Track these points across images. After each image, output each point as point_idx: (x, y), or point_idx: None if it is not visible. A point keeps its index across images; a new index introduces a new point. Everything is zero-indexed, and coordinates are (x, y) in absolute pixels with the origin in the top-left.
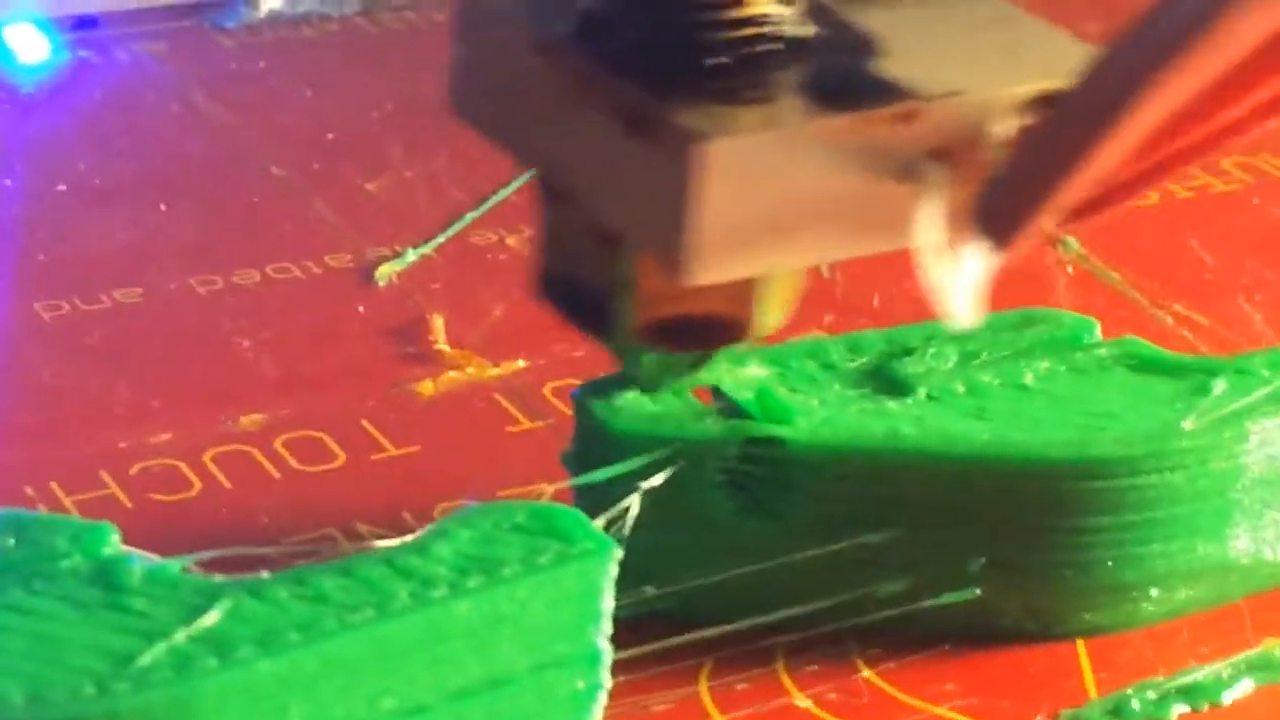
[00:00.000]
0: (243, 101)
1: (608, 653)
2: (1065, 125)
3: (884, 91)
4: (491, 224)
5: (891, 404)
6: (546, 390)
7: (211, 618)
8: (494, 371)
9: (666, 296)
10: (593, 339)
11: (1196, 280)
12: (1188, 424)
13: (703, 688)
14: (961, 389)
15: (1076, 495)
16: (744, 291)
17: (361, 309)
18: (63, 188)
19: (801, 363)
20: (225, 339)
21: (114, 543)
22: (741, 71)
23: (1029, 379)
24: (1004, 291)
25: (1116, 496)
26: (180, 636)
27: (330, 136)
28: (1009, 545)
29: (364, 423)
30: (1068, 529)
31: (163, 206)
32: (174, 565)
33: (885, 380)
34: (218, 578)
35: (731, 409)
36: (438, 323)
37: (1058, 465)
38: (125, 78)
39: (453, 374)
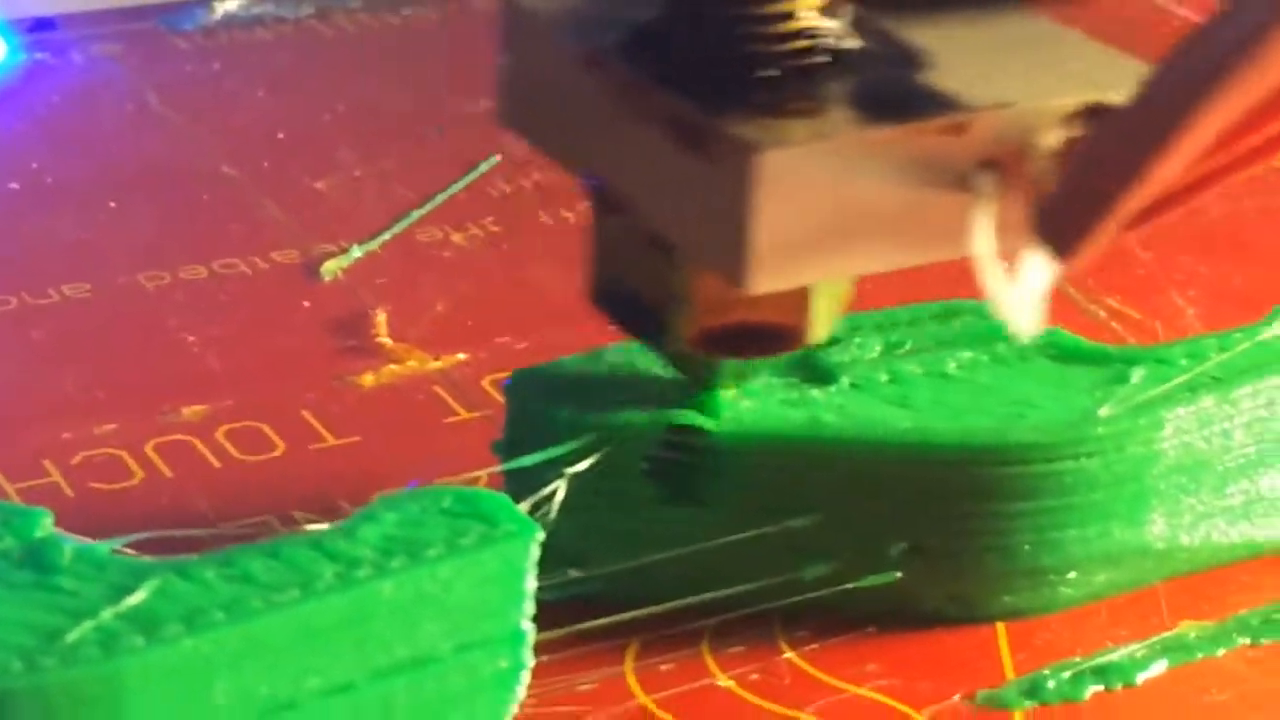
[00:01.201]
0: (196, 103)
1: (531, 633)
2: (1129, 138)
3: (933, 103)
4: (438, 221)
5: (815, 392)
6: (485, 383)
7: (138, 597)
8: (434, 364)
9: (721, 305)
10: (646, 346)
11: (1131, 275)
12: (1104, 411)
13: (628, 668)
14: (885, 378)
15: (996, 481)
16: (798, 300)
17: (306, 304)
18: (15, 186)
19: None
20: (171, 333)
21: (46, 526)
22: (791, 84)
23: (951, 368)
24: (933, 287)
25: (1035, 482)
26: (107, 615)
27: (281, 136)
28: (930, 530)
29: (304, 414)
30: (987, 514)
31: (113, 204)
32: (103, 547)
33: (810, 369)
34: (147, 559)
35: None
36: (380, 317)
37: (978, 452)
38: (81, 79)
39: (394, 367)
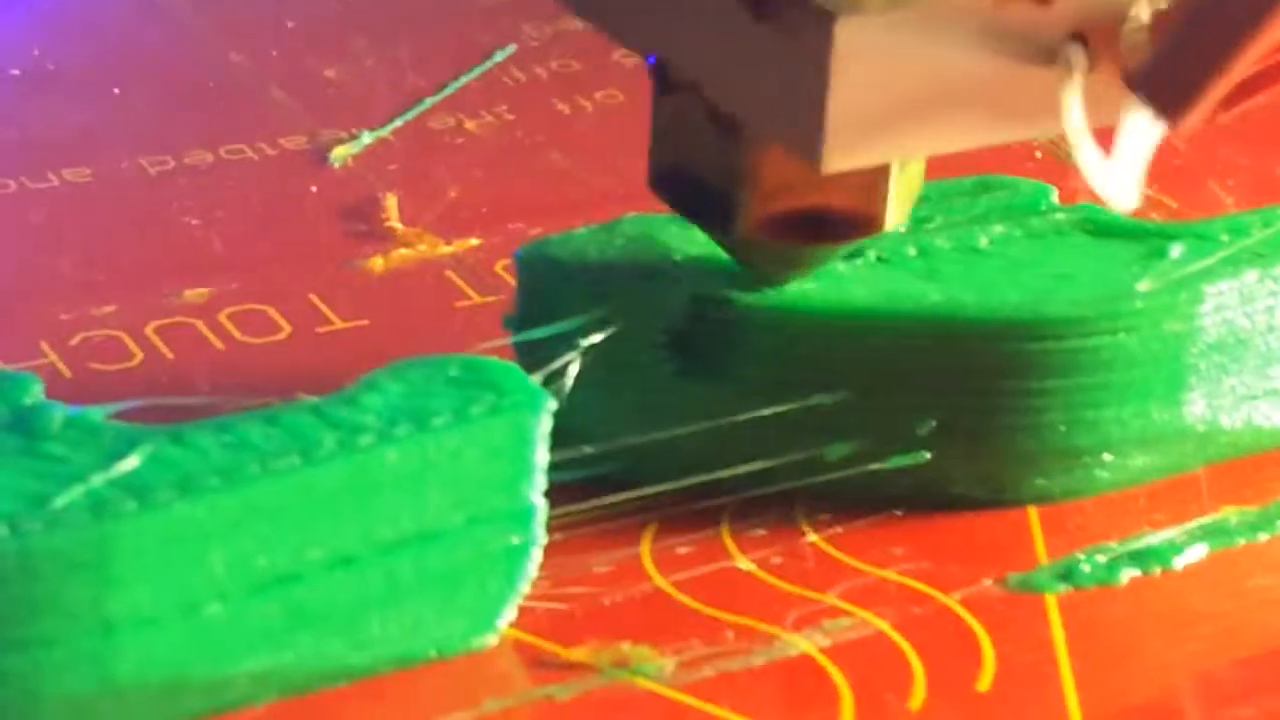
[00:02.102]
0: None
1: (542, 508)
2: None
3: None
4: (451, 109)
5: (841, 266)
6: (499, 267)
7: (130, 462)
8: (446, 249)
9: (790, 188)
10: (711, 234)
11: (1168, 165)
12: (1142, 286)
13: (644, 550)
14: (913, 252)
15: (1028, 357)
16: (871, 184)
17: (314, 189)
18: (15, 72)
19: None
20: (174, 217)
21: (36, 393)
22: None
23: (983, 243)
24: (964, 165)
25: (1069, 358)
26: (98, 480)
27: (290, 25)
28: (959, 409)
29: (311, 297)
30: (1019, 392)
31: (117, 91)
32: (96, 413)
33: None
34: (142, 427)
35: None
36: (390, 201)
37: (1009, 326)
38: None
39: (404, 251)
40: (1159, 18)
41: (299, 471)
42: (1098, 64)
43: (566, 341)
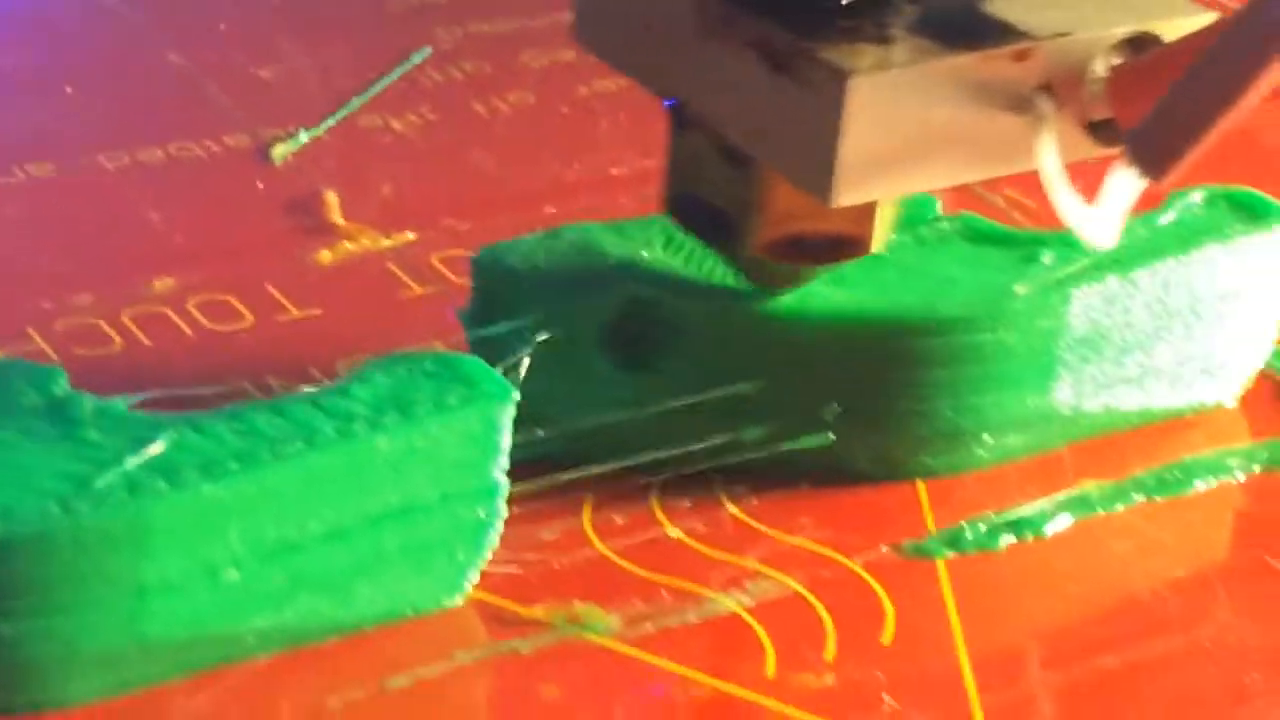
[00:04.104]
0: None
1: (505, 486)
2: (1227, 66)
3: (998, 32)
4: (377, 109)
5: None
6: (434, 260)
7: (158, 447)
8: (386, 243)
9: (792, 214)
10: (720, 253)
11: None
12: (1019, 289)
13: (585, 520)
14: None
15: (921, 351)
16: (863, 212)
17: (260, 185)
18: None
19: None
20: (135, 212)
21: (63, 384)
22: (868, 13)
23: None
24: None
25: (955, 352)
26: (131, 463)
27: (223, 27)
28: (860, 396)
29: (269, 287)
30: (912, 381)
31: (69, 90)
32: (121, 403)
33: None
34: (161, 415)
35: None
36: (332, 198)
37: (905, 324)
38: None
39: (348, 245)
40: (1115, 71)
41: (304, 455)
42: (1063, 111)
43: (518, 336)
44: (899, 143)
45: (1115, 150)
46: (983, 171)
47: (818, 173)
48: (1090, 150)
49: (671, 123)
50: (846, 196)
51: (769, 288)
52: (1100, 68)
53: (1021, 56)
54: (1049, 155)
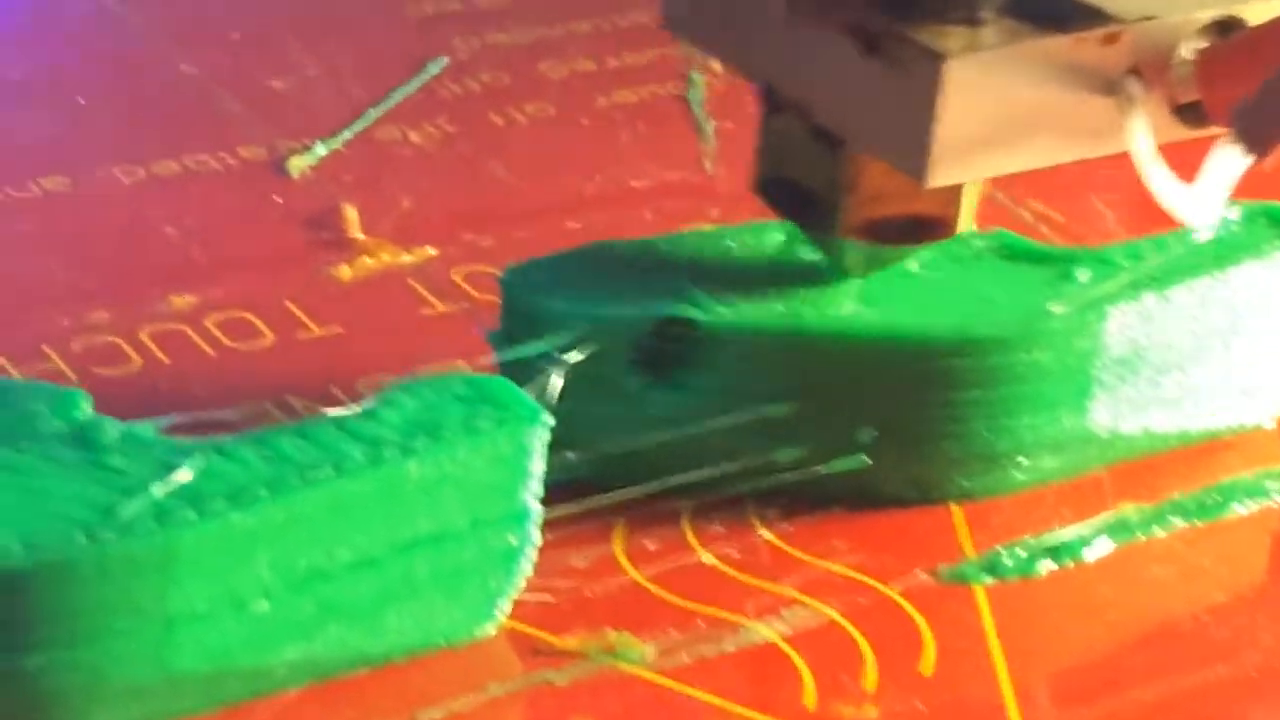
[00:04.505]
0: (148, 3)
1: (537, 512)
2: None
3: (1086, 15)
4: (395, 121)
5: (795, 290)
6: (456, 276)
7: (185, 474)
8: (406, 258)
9: (883, 197)
10: (809, 234)
11: (1054, 181)
12: (1055, 308)
13: (617, 548)
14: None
15: (955, 372)
16: (950, 194)
17: (278, 199)
18: None
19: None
20: (152, 225)
21: (86, 408)
22: None
23: (914, 267)
24: None
25: (990, 373)
26: (158, 490)
27: (235, 36)
28: (894, 418)
29: (288, 304)
30: (947, 403)
31: (81, 101)
32: (147, 427)
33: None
34: (186, 440)
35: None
36: (351, 213)
37: (939, 345)
38: None
39: (368, 260)
40: (1202, 55)
41: (333, 481)
42: (1151, 94)
43: (547, 357)
44: (990, 124)
45: (1201, 132)
46: (1072, 153)
47: (913, 154)
48: (1177, 133)
49: (763, 106)
50: (941, 177)
51: (853, 270)
52: (1187, 51)
53: (1110, 39)
54: (1141, 137)
